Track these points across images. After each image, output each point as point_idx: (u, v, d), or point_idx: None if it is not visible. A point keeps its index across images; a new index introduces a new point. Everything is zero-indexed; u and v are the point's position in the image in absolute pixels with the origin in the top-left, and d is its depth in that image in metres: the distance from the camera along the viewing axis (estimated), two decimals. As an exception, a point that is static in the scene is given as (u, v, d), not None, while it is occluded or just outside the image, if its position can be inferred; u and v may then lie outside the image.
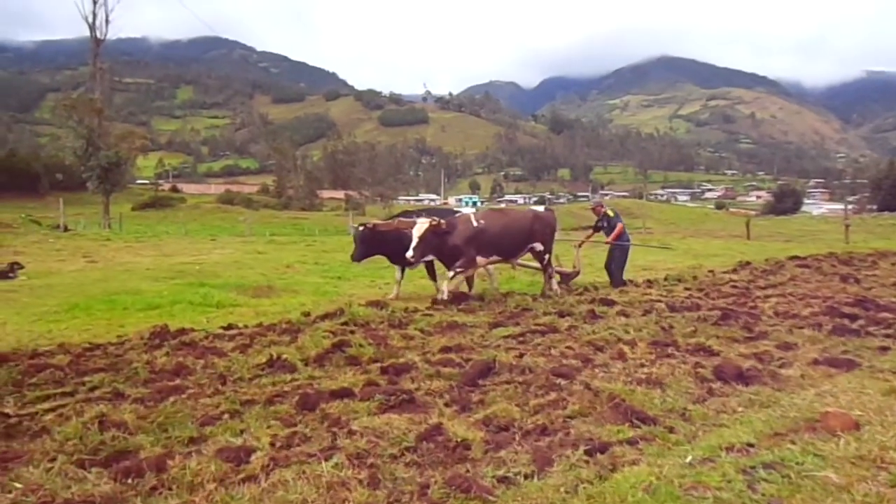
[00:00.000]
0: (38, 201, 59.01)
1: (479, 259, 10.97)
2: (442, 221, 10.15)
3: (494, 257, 11.34)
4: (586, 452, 3.93)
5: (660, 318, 8.54)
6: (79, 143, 45.81)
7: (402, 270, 11.77)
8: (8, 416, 4.69)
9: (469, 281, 11.92)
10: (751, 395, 5.14)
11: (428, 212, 11.83)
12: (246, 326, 8.44)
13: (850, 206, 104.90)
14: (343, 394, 5.03)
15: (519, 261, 12.81)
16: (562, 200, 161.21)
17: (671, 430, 4.39)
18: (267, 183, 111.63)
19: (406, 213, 11.83)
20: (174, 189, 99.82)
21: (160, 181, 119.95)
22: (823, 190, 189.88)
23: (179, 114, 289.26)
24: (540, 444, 4.10)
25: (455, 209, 12.79)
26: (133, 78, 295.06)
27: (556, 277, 12.30)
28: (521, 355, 6.36)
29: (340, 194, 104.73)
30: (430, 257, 10.63)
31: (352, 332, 7.57)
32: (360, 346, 6.61)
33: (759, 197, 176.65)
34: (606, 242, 13.08)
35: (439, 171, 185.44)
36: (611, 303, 9.98)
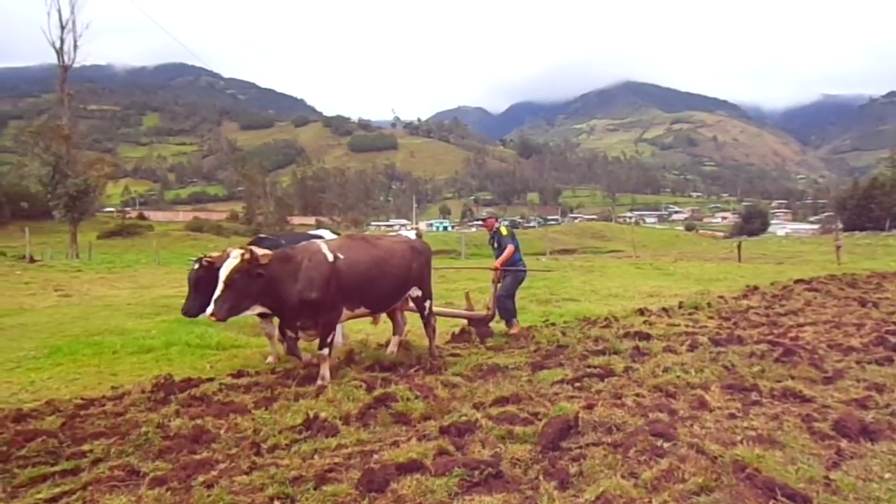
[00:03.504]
0: (0, 230, 56.95)
1: (343, 311, 7.48)
2: (263, 253, 6.69)
3: (360, 310, 7.78)
4: (756, 550, 3.12)
5: (713, 355, 7.80)
6: (45, 171, 44.26)
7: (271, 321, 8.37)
8: (0, 511, 3.72)
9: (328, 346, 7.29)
10: (890, 457, 4.39)
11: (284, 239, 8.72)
12: (258, 373, 7.48)
13: (817, 227, 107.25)
14: (412, 467, 4.14)
15: (439, 308, 9.84)
16: (532, 224, 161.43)
17: (829, 509, 3.61)
18: (236, 210, 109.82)
19: (259, 240, 8.31)
20: (141, 217, 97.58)
21: (126, 209, 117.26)
22: (786, 210, 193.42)
23: (146, 141, 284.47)
24: (690, 538, 3.28)
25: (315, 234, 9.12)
26: (98, 105, 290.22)
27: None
28: (591, 406, 5.54)
29: (311, 220, 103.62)
30: (255, 310, 7.02)
31: (387, 380, 6.66)
32: (407, 399, 5.72)
33: (724, 218, 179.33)
34: (493, 269, 10.29)
35: (410, 197, 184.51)
36: (646, 336, 9.29)
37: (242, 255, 6.52)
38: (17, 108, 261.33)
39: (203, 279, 7.36)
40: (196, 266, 7.61)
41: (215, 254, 7.41)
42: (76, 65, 46.03)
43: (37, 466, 4.54)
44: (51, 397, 6.55)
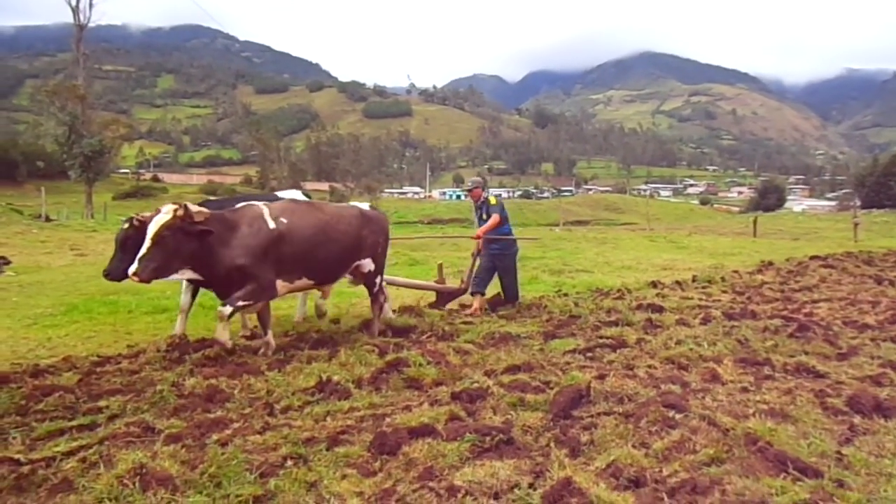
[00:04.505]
0: (17, 189, 57.28)
1: (280, 284, 6.74)
2: (198, 209, 6.11)
3: (302, 281, 7.05)
4: (766, 523, 3.13)
5: (726, 329, 7.77)
6: (61, 131, 44.44)
7: (193, 291, 7.79)
8: (18, 462, 3.78)
9: (263, 317, 6.94)
10: (903, 433, 4.38)
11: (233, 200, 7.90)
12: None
13: (834, 203, 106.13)
14: (424, 431, 4.17)
15: (401, 279, 9.92)
16: (546, 195, 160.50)
17: (841, 483, 3.61)
18: (250, 174, 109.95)
19: (205, 203, 7.35)
20: (155, 179, 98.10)
21: (141, 170, 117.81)
22: (804, 186, 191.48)
23: (160, 103, 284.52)
24: (700, 508, 3.28)
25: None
26: (113, 65, 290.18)
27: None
28: (603, 376, 5.55)
29: (325, 186, 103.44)
30: (185, 275, 6.35)
31: (399, 345, 6.72)
32: (419, 365, 5.76)
33: (740, 193, 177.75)
34: (475, 237, 9.87)
35: (423, 164, 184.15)
36: (659, 309, 9.26)
37: (175, 210, 5.92)
38: (33, 66, 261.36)
39: (133, 239, 6.57)
40: (126, 225, 6.86)
41: (148, 213, 6.63)
42: (92, 24, 46.17)
43: (54, 421, 4.62)
44: (68, 354, 6.65)
